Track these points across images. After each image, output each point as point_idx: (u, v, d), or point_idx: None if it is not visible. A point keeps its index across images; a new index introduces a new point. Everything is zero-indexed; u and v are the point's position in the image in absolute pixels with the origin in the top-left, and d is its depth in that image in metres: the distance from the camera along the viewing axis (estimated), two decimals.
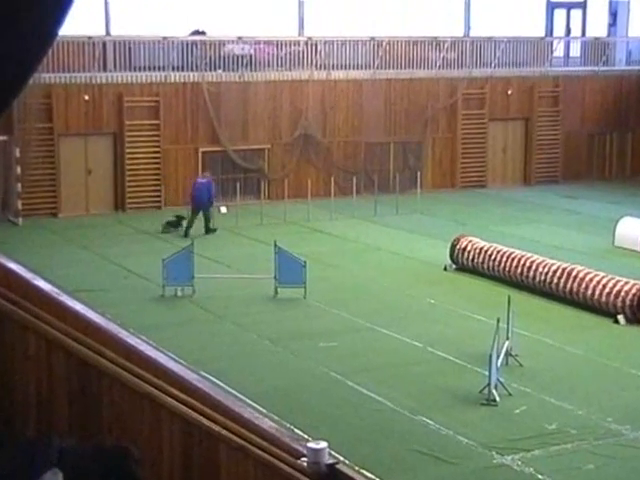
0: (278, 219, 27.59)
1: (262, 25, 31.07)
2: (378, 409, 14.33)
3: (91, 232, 26.00)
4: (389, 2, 33.59)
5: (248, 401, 13.74)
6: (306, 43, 31.47)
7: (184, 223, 26.03)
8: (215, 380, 14.63)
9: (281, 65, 31.12)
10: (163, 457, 7.12)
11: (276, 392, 14.91)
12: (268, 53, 30.92)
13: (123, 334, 7.45)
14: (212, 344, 17.27)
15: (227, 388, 14.29)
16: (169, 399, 6.94)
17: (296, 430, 13.10)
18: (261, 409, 13.45)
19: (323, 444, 6.45)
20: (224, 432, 6.72)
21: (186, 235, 25.06)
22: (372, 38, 32.26)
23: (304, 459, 6.36)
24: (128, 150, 28.90)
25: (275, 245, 20.27)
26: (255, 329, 18.05)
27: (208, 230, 25.91)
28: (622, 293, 18.74)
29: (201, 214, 25.87)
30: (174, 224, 26.27)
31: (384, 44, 32.26)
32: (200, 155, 29.86)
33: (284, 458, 6.44)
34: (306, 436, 12.42)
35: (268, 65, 30.90)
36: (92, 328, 7.31)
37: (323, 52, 31.42)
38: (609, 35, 37.52)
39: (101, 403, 7.28)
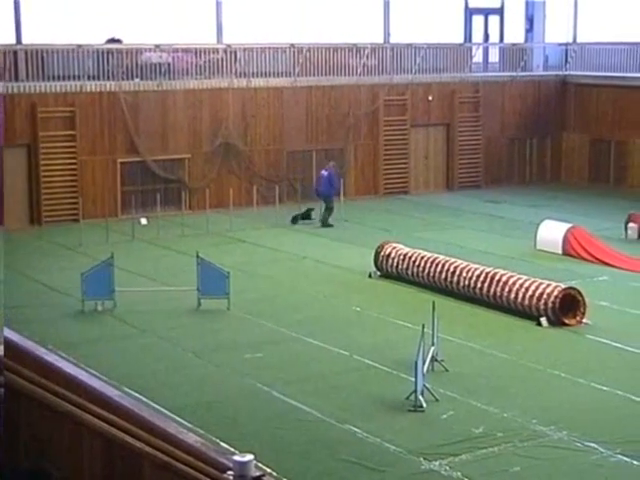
0: (200, 230, 27.37)
1: (180, 33, 30.81)
2: (305, 419, 14.23)
3: (6, 247, 25.48)
4: (308, 9, 33.56)
5: (173, 416, 13.56)
6: (225, 51, 31.31)
7: (312, 214, 28.38)
8: (139, 396, 14.42)
9: (200, 73, 30.90)
10: (84, 477, 6.93)
11: (202, 406, 14.72)
12: (187, 61, 30.69)
13: (41, 351, 7.25)
14: (135, 359, 17.01)
15: (151, 404, 14.10)
16: (90, 417, 6.77)
17: (222, 444, 12.95)
18: (186, 424, 13.29)
19: (249, 457, 6.40)
20: (147, 449, 6.58)
21: (324, 225, 27.77)
22: (292, 45, 32.23)
23: (230, 473, 6.29)
24: (43, 162, 28.39)
25: (197, 256, 20.07)
26: (179, 342, 17.83)
27: (325, 223, 27.86)
28: (544, 296, 18.91)
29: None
30: (304, 216, 28.36)
31: (304, 51, 32.25)
32: (118, 166, 29.48)
33: (210, 472, 6.36)
34: (232, 449, 12.29)
35: (187, 73, 30.66)
36: (8, 346, 7.09)
37: (243, 60, 31.29)
38: (526, 41, 37.98)
39: (18, 424, 7.06)
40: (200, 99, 30.50)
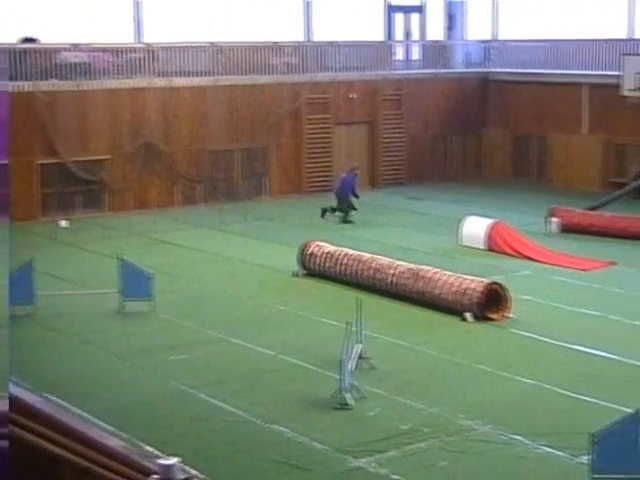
0: (122, 231, 27.07)
1: (98, 32, 30.40)
2: (231, 420, 14.12)
3: None
4: (229, 7, 33.40)
5: (97, 421, 13.36)
6: (145, 50, 31.00)
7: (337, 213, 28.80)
8: (61, 402, 14.17)
9: (120, 73, 30.53)
10: None
11: (126, 409, 14.53)
12: (106, 61, 30.31)
13: None
14: (58, 364, 16.73)
15: (74, 409, 13.86)
16: (10, 425, 6.59)
17: (147, 447, 12.77)
18: (110, 428, 13.08)
19: (174, 460, 6.33)
20: (67, 454, 6.43)
21: (345, 221, 28.47)
22: (213, 44, 32.04)
23: (155, 476, 6.20)
24: None
25: (119, 258, 19.81)
26: (103, 346, 17.59)
27: (345, 220, 28.58)
28: (469, 291, 19.02)
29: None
30: (334, 209, 28.74)
31: (225, 50, 32.08)
32: (37, 168, 29.00)
33: (134, 476, 6.25)
34: (157, 452, 12.12)
35: (106, 73, 30.27)
36: None
37: (163, 59, 31.01)
38: (448, 38, 38.25)
39: None
40: (120, 99, 30.15)
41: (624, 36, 34.47)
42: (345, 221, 28.54)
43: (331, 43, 34.45)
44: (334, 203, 29.03)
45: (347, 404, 14.46)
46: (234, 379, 15.85)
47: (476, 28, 38.58)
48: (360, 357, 16.05)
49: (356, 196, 29.00)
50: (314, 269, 22.23)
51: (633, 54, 33.00)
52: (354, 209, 28.77)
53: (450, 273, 19.93)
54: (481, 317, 18.87)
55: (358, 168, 30.04)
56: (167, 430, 13.77)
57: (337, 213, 28.86)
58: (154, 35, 31.76)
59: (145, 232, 27.10)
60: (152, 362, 16.68)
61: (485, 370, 16.18)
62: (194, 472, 11.91)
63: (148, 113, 30.62)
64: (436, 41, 37.68)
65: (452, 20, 38.33)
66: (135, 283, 19.45)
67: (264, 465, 12.69)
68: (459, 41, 38.22)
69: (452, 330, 18.59)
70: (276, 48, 33.29)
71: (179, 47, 31.50)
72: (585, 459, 11.92)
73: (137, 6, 31.75)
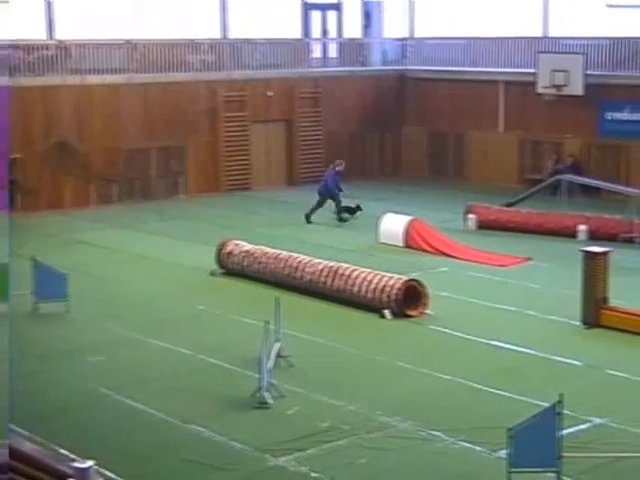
0: (36, 232, 26.58)
1: (9, 28, 29.78)
2: (149, 421, 13.95)
3: None
4: (144, 4, 33.02)
5: (11, 426, 13.04)
6: (57, 47, 30.50)
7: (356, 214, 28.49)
8: None
9: (31, 70, 29.97)
10: None
11: (42, 413, 14.24)
12: (17, 57, 29.71)
13: None
14: None
15: None
16: None
17: (63, 451, 12.54)
18: (25, 433, 12.81)
19: (89, 463, 6.22)
20: None
21: (341, 219, 28.23)
22: (127, 41, 31.66)
23: None
24: None
25: (32, 259, 19.44)
26: (17, 348, 17.18)
27: (341, 219, 28.32)
28: (387, 288, 19.06)
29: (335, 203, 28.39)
30: (352, 210, 28.47)
31: (140, 47, 31.72)
32: None
33: None
34: (73, 456, 11.90)
35: (17, 70, 29.67)
36: None
37: (76, 56, 30.53)
38: (364, 36, 38.33)
39: None
40: (32, 97, 29.58)
41: (539, 34, 34.87)
42: (341, 219, 28.40)
43: (248, 40, 34.30)
44: (351, 203, 28.96)
45: (266, 403, 14.40)
46: (152, 380, 15.66)
47: (393, 26, 38.71)
48: (279, 356, 16.00)
49: (339, 189, 28.62)
50: (232, 268, 22.09)
51: (548, 52, 33.41)
52: (340, 207, 28.45)
53: (368, 270, 19.94)
54: (399, 314, 18.91)
55: (340, 164, 29.27)
56: (83, 433, 13.55)
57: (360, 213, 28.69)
58: (67, 32, 31.22)
59: (59, 232, 26.67)
60: (69, 364, 16.42)
61: (404, 367, 16.22)
62: (110, 475, 11.78)
63: (61, 111, 30.12)
64: (353, 39, 37.73)
65: (369, 18, 38.41)
66: (49, 284, 19.11)
67: (182, 466, 12.55)
68: (376, 39, 38.31)
69: (371, 327, 18.61)
70: (192, 45, 33.03)
71: (93, 44, 31.04)
72: (503, 454, 11.98)
73: (49, 2, 31.21)
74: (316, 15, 37.89)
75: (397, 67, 37.78)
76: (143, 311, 19.64)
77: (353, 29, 38.25)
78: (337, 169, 28.77)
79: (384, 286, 19.14)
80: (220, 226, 27.36)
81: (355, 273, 19.82)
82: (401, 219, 25.37)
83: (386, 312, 18.94)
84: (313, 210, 28.30)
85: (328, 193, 28.29)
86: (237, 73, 33.68)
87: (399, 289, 18.96)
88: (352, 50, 37.09)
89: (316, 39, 37.68)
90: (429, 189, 34.02)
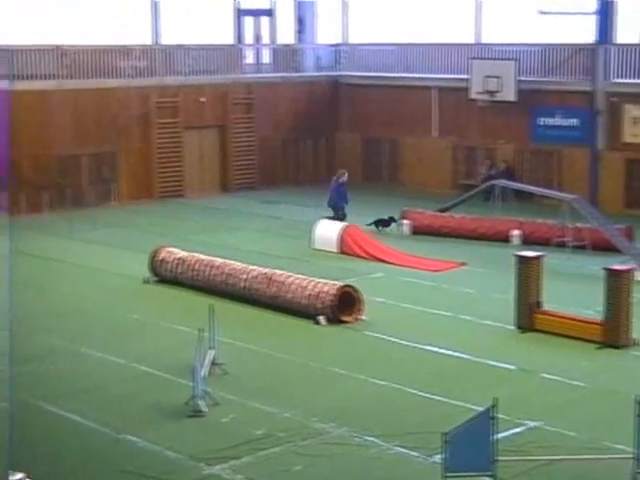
0: None
1: None
2: (82, 432, 13.74)
3: None
4: (75, 9, 32.59)
5: None
6: None
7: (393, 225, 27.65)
8: None
9: None
10: None
11: None
12: None
13: None
14: None
15: None
16: None
17: None
18: None
19: (19, 475, 6.04)
20: None
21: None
22: (57, 47, 31.24)
23: None
24: None
25: None
26: None
27: None
28: (322, 294, 19.01)
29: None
30: (385, 223, 27.51)
31: (70, 53, 31.33)
32: None
33: None
34: (2, 469, 11.63)
35: None
36: None
37: (5, 61, 30.03)
38: (298, 42, 38.27)
39: None
40: None
41: (472, 40, 35.11)
42: None
43: (180, 46, 34.06)
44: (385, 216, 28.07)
45: (200, 411, 14.28)
46: (84, 390, 15.43)
47: (326, 32, 38.72)
48: (213, 363, 15.88)
49: (346, 202, 27.62)
50: (165, 275, 21.88)
51: (481, 58, 33.65)
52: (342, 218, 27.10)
53: (303, 277, 19.89)
54: (334, 320, 18.87)
55: (342, 175, 27.88)
56: (15, 445, 13.24)
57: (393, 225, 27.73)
58: None
59: None
60: (2, 375, 16.08)
61: (339, 373, 16.18)
62: None
63: None
64: (287, 45, 37.67)
65: (302, 24, 38.36)
66: None
67: (116, 477, 12.40)
68: (309, 45, 38.28)
69: (306, 334, 18.56)
70: (123, 51, 32.72)
71: (21, 49, 30.58)
72: (438, 458, 11.98)
73: None
74: (249, 21, 37.75)
75: (331, 73, 37.80)
76: (76, 320, 19.36)
77: (286, 35, 38.18)
78: (340, 181, 27.71)
79: (319, 292, 19.09)
80: (153, 233, 27.08)
81: (289, 279, 19.75)
82: (335, 225, 25.38)
83: (321, 318, 18.89)
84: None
85: (330, 206, 27.40)
86: (169, 79, 33.43)
87: (334, 295, 18.92)
88: (285, 56, 37.03)
89: (249, 45, 37.56)
90: (363, 195, 33.91)
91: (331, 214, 27.13)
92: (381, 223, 27.71)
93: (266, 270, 20.40)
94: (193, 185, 33.94)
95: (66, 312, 19.94)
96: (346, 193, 27.55)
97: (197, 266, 21.32)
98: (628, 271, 17.75)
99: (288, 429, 13.75)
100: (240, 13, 37.31)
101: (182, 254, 21.96)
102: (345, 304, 19.06)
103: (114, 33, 32.82)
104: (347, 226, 25.13)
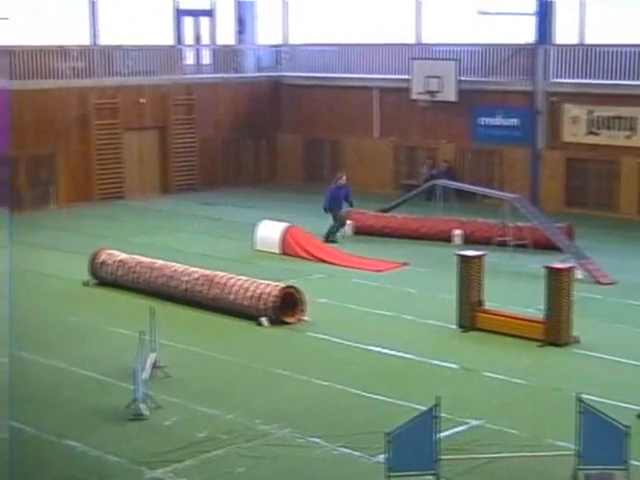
0: None
1: None
2: (22, 438, 13.47)
3: None
4: (11, 9, 32.13)
5: None
6: None
7: None
8: None
9: None
10: None
11: None
12: None
13: None
14: None
15: None
16: None
17: None
18: None
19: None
20: None
21: (330, 240, 26.08)
22: None
23: None
24: None
25: None
26: None
27: (331, 239, 26.27)
28: (264, 295, 18.93)
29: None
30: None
31: (6, 53, 30.87)
32: None
33: None
34: None
35: None
36: None
37: None
38: (238, 42, 38.13)
39: None
40: None
41: (412, 41, 35.21)
42: (330, 240, 26.22)
43: (119, 47, 33.77)
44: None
45: (142, 414, 14.14)
46: (25, 395, 15.14)
47: (267, 32, 38.62)
48: (154, 366, 15.73)
49: (350, 205, 27.04)
50: (106, 278, 21.65)
51: (421, 58, 33.75)
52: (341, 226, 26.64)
53: (245, 278, 19.78)
54: (277, 321, 18.80)
55: (340, 177, 27.12)
56: None
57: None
58: None
59: None
60: None
61: (282, 374, 16.13)
62: None
63: None
64: (227, 45, 37.50)
65: (242, 24, 38.20)
66: None
67: None
68: (250, 45, 38.16)
69: (248, 335, 18.46)
70: (61, 52, 32.34)
71: None
72: (381, 458, 11.97)
73: None
74: (189, 21, 37.53)
75: (272, 73, 37.71)
76: (15, 324, 19.01)
77: (226, 35, 38.00)
78: (338, 183, 26.95)
79: (261, 293, 19.00)
80: (93, 236, 26.76)
81: (231, 281, 19.64)
82: (277, 226, 25.27)
83: (263, 319, 18.80)
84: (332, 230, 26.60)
85: (327, 212, 26.76)
86: (108, 80, 33.09)
87: (276, 296, 18.85)
88: (226, 56, 36.87)
89: (189, 45, 37.35)
90: (305, 196, 33.94)
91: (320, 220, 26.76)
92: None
93: (208, 272, 20.28)
94: (133, 187, 33.64)
95: (3, 316, 19.61)
96: (347, 196, 26.96)
97: (138, 268, 21.13)
98: (568, 269, 17.89)
99: (231, 431, 13.66)
100: (179, 13, 37.09)
101: (122, 256, 21.75)
102: (287, 305, 19.00)
103: (51, 33, 32.43)
104: (289, 227, 25.04)
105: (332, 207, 26.71)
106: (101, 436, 13.56)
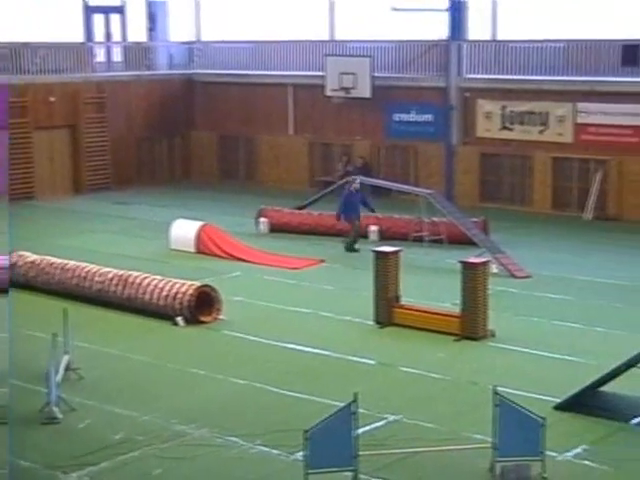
0: None
1: None
2: None
3: None
4: None
5: None
6: None
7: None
8: None
9: None
10: None
11: None
12: None
13: None
14: None
15: None
16: None
17: None
18: None
19: None
20: None
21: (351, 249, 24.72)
22: None
23: None
24: None
25: None
26: None
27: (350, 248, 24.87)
28: (179, 295, 18.75)
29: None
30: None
31: None
32: None
33: None
34: None
35: None
36: None
37: None
38: (150, 39, 37.75)
39: None
40: None
41: (326, 37, 35.19)
42: (350, 249, 24.78)
43: (26, 44, 33.16)
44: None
45: (55, 418, 13.91)
46: None
47: (179, 29, 38.30)
48: (68, 368, 15.48)
49: (370, 209, 25.79)
50: (17, 280, 21.20)
51: (335, 55, 33.74)
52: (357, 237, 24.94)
53: (160, 278, 19.58)
54: (193, 320, 18.61)
55: (354, 181, 25.56)
56: None
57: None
58: None
59: None
60: None
61: (198, 373, 15.98)
62: None
63: None
64: (138, 42, 37.10)
65: (154, 21, 37.83)
66: None
67: None
68: (162, 42, 37.80)
69: (164, 335, 18.27)
70: None
71: None
72: (300, 456, 11.90)
73: None
74: (99, 18, 37.07)
75: (185, 71, 37.41)
76: None
77: (138, 32, 37.60)
78: (351, 189, 25.21)
79: (176, 293, 18.81)
80: (2, 237, 26.19)
81: (146, 281, 19.41)
82: (192, 225, 25.04)
83: (179, 319, 18.61)
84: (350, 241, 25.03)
85: (342, 218, 25.16)
86: (16, 78, 32.47)
87: (191, 295, 18.68)
88: (137, 54, 36.46)
89: (99, 43, 36.88)
90: (220, 194, 33.78)
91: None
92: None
93: (122, 272, 20.01)
94: (44, 187, 33.04)
95: None
96: (365, 201, 25.62)
97: (50, 269, 20.77)
98: (484, 264, 17.98)
99: (147, 432, 13.49)
100: (89, 10, 36.61)
101: (34, 257, 21.35)
102: (203, 304, 18.84)
103: None
104: (204, 225, 24.83)
105: (347, 215, 25.01)
106: (13, 440, 13.24)
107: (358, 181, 25.75)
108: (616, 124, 29.14)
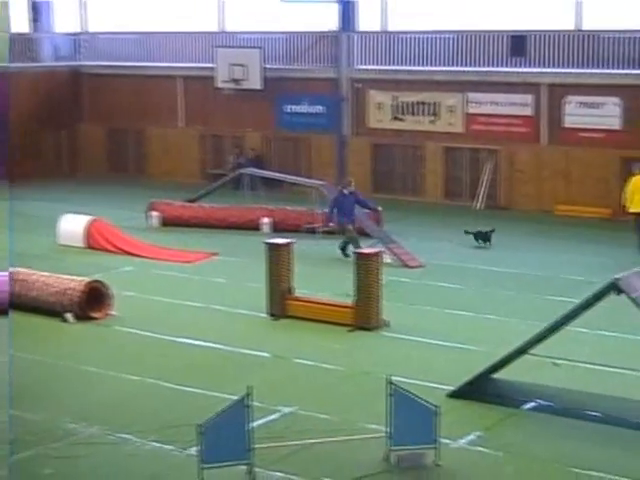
0: None
1: None
2: None
3: None
4: None
5: None
6: None
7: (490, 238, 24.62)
8: None
9: None
10: None
11: None
12: None
13: None
14: None
15: None
16: None
17: None
18: None
19: None
20: None
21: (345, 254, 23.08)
22: None
23: None
24: None
25: None
26: None
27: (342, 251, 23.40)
28: (69, 291, 18.37)
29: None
30: (485, 237, 24.46)
31: None
32: None
33: None
34: None
35: None
36: None
37: None
38: (33, 31, 36.96)
39: None
40: None
41: (216, 29, 34.92)
42: (344, 253, 23.18)
43: None
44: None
45: None
46: None
47: (64, 20, 37.58)
48: None
49: (369, 208, 24.30)
50: None
51: (225, 46, 33.51)
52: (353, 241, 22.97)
53: (48, 274, 19.15)
54: (83, 317, 18.25)
55: (349, 183, 23.79)
56: None
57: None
58: None
59: None
60: None
61: (89, 370, 15.67)
62: None
63: None
64: (21, 34, 36.28)
65: (37, 12, 37.08)
66: None
67: None
68: (46, 33, 37.05)
69: (53, 332, 17.87)
70: None
71: None
72: (194, 450, 11.74)
73: None
74: None
75: (71, 63, 36.77)
76: None
77: (21, 24, 36.76)
78: (344, 191, 23.47)
79: (65, 289, 18.42)
80: None
81: (34, 277, 18.98)
82: (81, 219, 24.58)
83: (68, 315, 18.22)
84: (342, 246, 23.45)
85: (334, 220, 23.52)
86: None
87: (82, 291, 18.32)
88: (21, 45, 35.64)
89: None
90: (110, 187, 33.29)
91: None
92: (480, 236, 24.57)
93: (9, 269, 19.49)
94: None
95: None
96: (362, 202, 23.95)
97: None
98: (377, 254, 18.03)
99: (37, 432, 13.16)
100: None
101: None
102: (94, 300, 18.48)
103: None
104: (94, 220, 24.41)
105: (338, 218, 23.28)
106: None
107: (353, 182, 23.98)
108: (506, 114, 29.55)
